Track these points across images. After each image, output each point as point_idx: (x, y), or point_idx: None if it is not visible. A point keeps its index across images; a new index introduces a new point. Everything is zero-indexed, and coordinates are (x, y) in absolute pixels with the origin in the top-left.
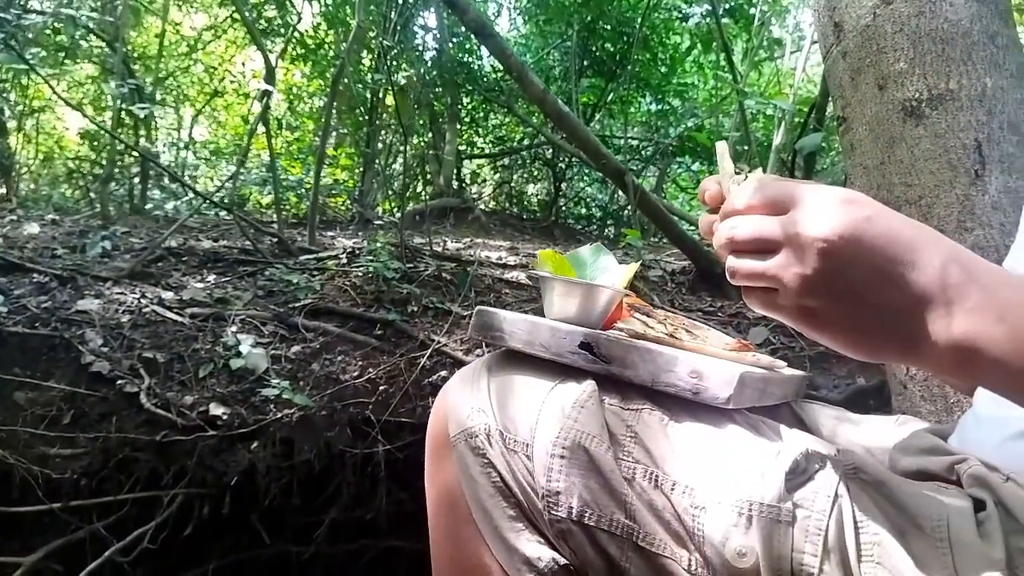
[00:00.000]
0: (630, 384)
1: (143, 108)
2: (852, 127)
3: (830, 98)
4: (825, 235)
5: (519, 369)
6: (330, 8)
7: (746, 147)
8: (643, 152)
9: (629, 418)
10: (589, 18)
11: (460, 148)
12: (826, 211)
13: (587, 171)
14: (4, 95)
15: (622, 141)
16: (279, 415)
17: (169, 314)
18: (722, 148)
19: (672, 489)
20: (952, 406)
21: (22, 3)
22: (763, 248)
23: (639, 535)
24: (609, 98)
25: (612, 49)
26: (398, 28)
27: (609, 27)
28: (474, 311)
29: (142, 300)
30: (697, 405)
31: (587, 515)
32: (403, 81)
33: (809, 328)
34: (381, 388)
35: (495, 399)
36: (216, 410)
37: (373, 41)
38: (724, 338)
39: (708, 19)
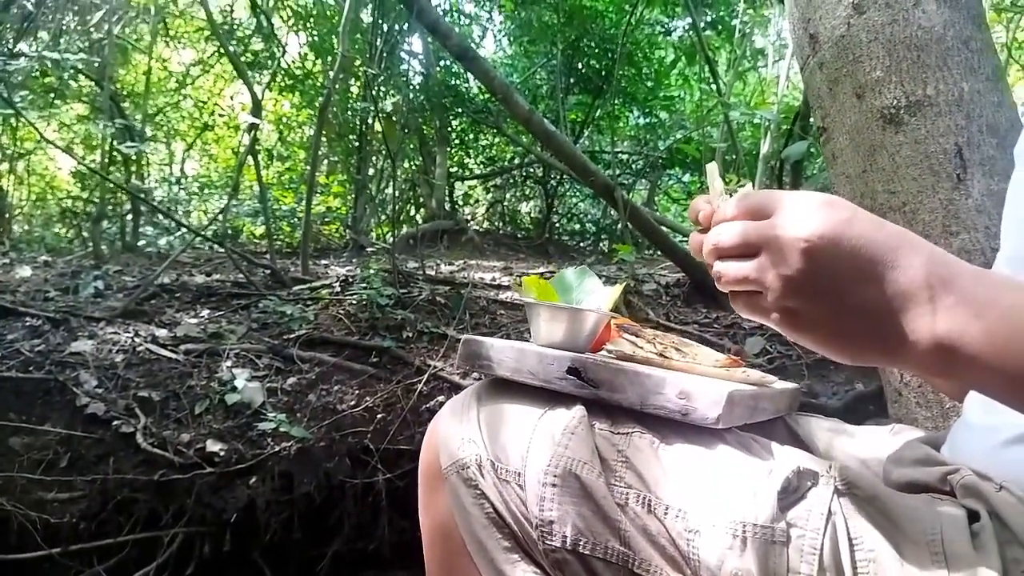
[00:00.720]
0: (619, 407)
1: (132, 147)
2: (833, 137)
3: (811, 109)
4: (805, 235)
5: (508, 397)
6: (315, 38)
7: (734, 157)
8: (633, 166)
9: (620, 442)
10: (573, 37)
11: (451, 170)
12: (806, 213)
13: (579, 187)
14: None
15: (611, 156)
16: (277, 448)
17: (163, 352)
18: (712, 169)
19: (665, 513)
20: (948, 412)
21: (9, 48)
22: (747, 252)
23: (635, 562)
24: (597, 114)
25: (597, 66)
26: (384, 55)
27: (593, 44)
28: (461, 340)
29: (136, 339)
30: (687, 426)
31: (582, 543)
32: (390, 108)
33: (793, 331)
34: (379, 416)
35: (485, 429)
36: (213, 447)
37: (360, 69)
38: (714, 354)
39: (691, 32)
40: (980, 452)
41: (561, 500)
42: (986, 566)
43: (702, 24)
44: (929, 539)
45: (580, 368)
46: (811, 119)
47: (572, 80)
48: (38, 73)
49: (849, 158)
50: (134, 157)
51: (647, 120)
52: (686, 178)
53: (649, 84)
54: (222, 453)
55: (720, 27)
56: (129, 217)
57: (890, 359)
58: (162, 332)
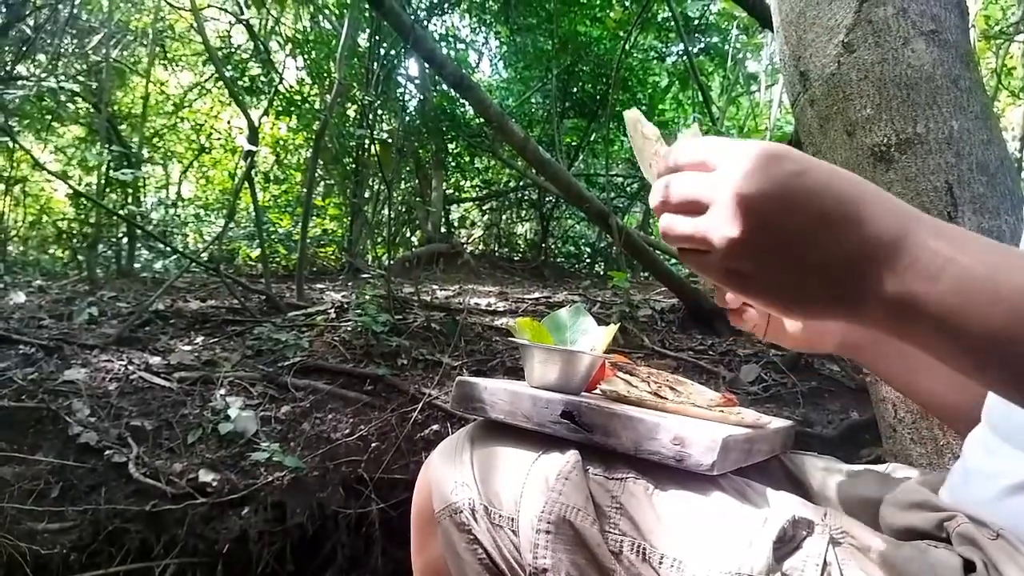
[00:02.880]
0: (614, 452)
1: (128, 174)
2: None
3: (802, 144)
4: (748, 192)
5: (502, 440)
6: (313, 63)
7: None
8: (628, 189)
9: (614, 488)
10: (568, 62)
11: (447, 193)
12: (752, 169)
13: (574, 209)
14: None
15: (606, 179)
16: (270, 478)
17: (157, 380)
18: (633, 115)
19: (660, 562)
20: (942, 448)
21: (7, 71)
22: (693, 208)
23: None
24: (591, 138)
25: (592, 90)
26: (380, 79)
27: (588, 69)
28: (455, 382)
29: (129, 367)
30: (682, 472)
31: None
32: (386, 135)
33: (742, 291)
34: (373, 445)
35: (478, 472)
36: (206, 476)
37: (356, 94)
38: (708, 392)
39: (684, 58)
40: (979, 498)
41: (555, 548)
42: None
43: (695, 50)
44: None
45: (574, 412)
46: (803, 145)
47: (567, 104)
48: (35, 97)
49: None
50: (129, 181)
51: None
52: None
53: (643, 109)
54: (215, 483)
55: (713, 53)
56: (124, 241)
57: (844, 318)
58: (156, 360)
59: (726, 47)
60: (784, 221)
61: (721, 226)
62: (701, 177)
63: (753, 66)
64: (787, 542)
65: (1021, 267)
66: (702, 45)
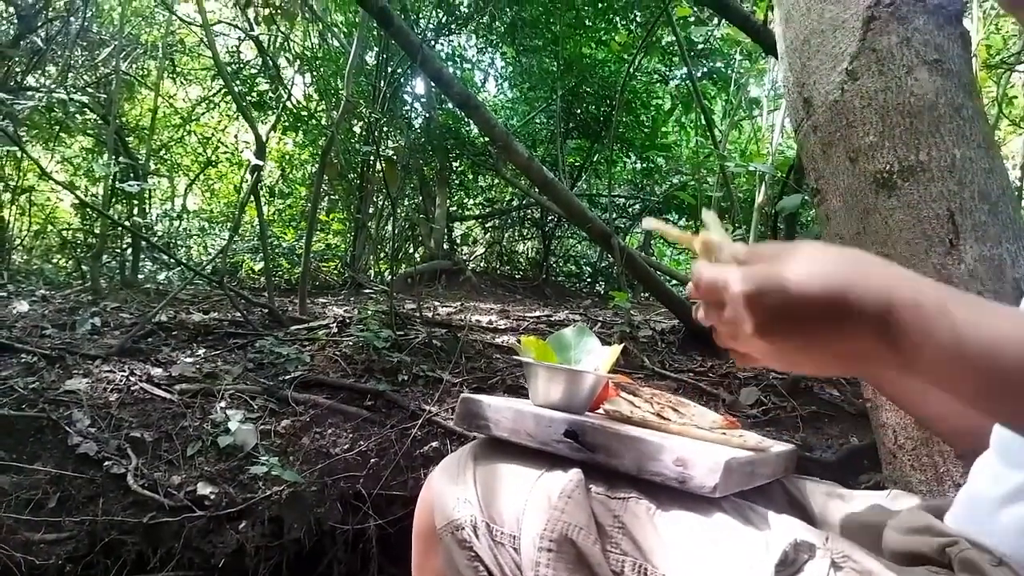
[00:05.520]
0: (616, 472)
1: (134, 186)
2: (827, 198)
3: (805, 170)
4: (746, 291)
5: (505, 457)
6: (321, 80)
7: (729, 205)
8: (630, 210)
9: (616, 507)
10: (572, 83)
11: (450, 210)
12: (752, 270)
13: (576, 229)
14: None
15: (608, 200)
16: (268, 492)
17: (157, 391)
18: (709, 217)
19: None
20: (942, 476)
21: (17, 81)
22: (719, 302)
23: None
24: (595, 158)
25: (596, 112)
26: (387, 97)
27: (592, 91)
28: (459, 399)
29: (131, 378)
30: (685, 493)
31: None
32: (391, 152)
33: (777, 364)
34: (372, 461)
35: (481, 489)
36: (204, 489)
37: (363, 111)
38: (710, 415)
39: (687, 82)
40: (983, 524)
41: (556, 566)
42: None
43: (698, 74)
44: None
45: (578, 432)
46: (806, 173)
47: (571, 125)
48: (44, 107)
49: (843, 220)
50: (135, 194)
51: (644, 165)
52: (682, 223)
53: (647, 131)
54: (213, 496)
55: (716, 77)
56: (128, 252)
57: (857, 376)
58: (157, 371)
59: (729, 72)
60: (789, 314)
61: (742, 319)
62: (713, 278)
63: (755, 91)
64: (789, 565)
65: (989, 316)
66: (705, 69)
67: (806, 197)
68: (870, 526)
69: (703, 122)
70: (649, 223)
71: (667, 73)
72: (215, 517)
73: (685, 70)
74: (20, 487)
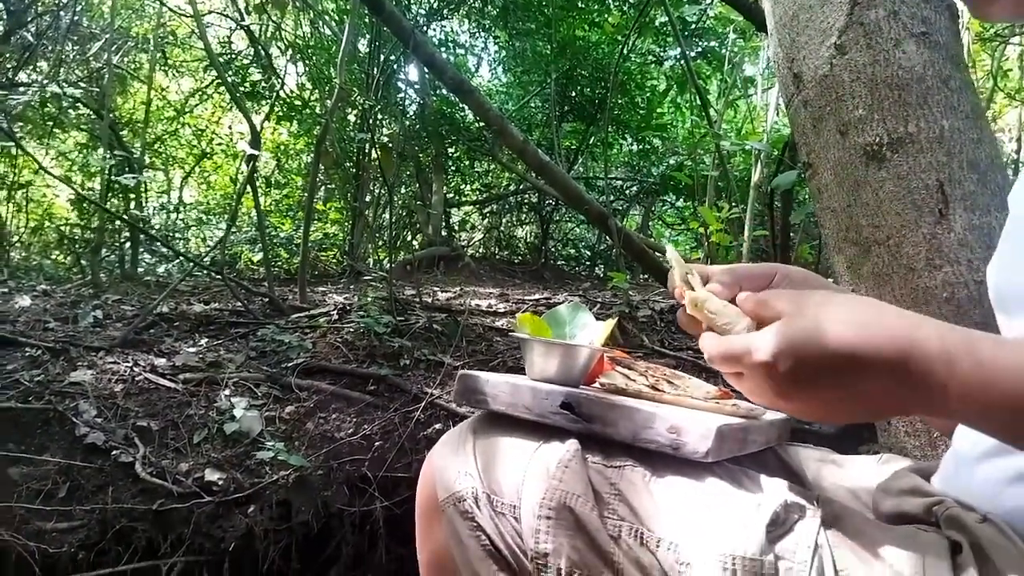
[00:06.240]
0: (612, 441)
1: (131, 178)
2: (818, 172)
3: (796, 145)
4: (763, 362)
5: (503, 431)
6: (313, 68)
7: (725, 184)
8: (627, 192)
9: (612, 475)
10: (566, 66)
11: (447, 196)
12: (766, 338)
13: (574, 213)
14: None
15: (605, 182)
16: (275, 477)
17: (162, 381)
18: (671, 253)
19: (657, 546)
20: (936, 440)
21: (9, 77)
22: (735, 370)
23: None
24: (590, 141)
25: (591, 94)
26: (381, 84)
27: (586, 74)
28: (457, 376)
29: (135, 368)
30: (678, 459)
31: (576, 575)
32: (386, 139)
33: (803, 416)
34: (376, 444)
35: (481, 462)
36: (212, 475)
37: (357, 98)
38: (705, 386)
39: (681, 62)
40: (967, 484)
41: (556, 533)
42: None
43: (693, 54)
44: (912, 571)
45: (573, 403)
46: (797, 148)
47: (566, 108)
48: (38, 103)
49: (834, 193)
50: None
51: (640, 147)
52: (679, 203)
53: (642, 112)
54: (220, 482)
55: (710, 57)
56: (127, 245)
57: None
58: (161, 361)
59: (723, 51)
60: (806, 374)
61: (762, 382)
62: (727, 353)
63: (750, 69)
64: (780, 525)
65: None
66: (699, 49)
67: (801, 174)
68: (861, 489)
69: (698, 102)
70: (672, 253)
71: (661, 54)
72: (223, 502)
73: (679, 50)
74: (30, 478)
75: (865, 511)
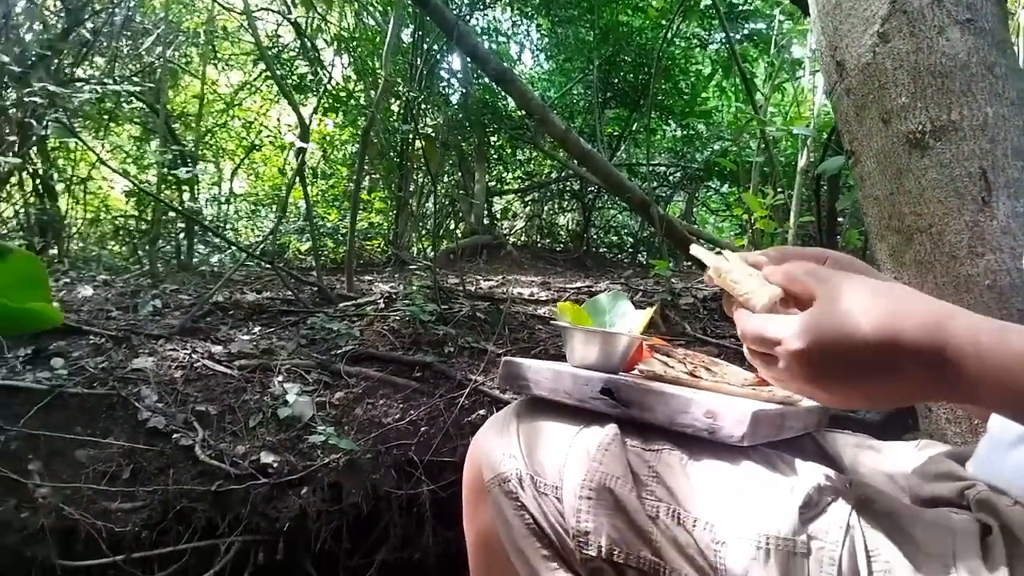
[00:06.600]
0: (650, 426)
1: (188, 172)
2: (861, 160)
3: (839, 132)
4: (798, 350)
5: (546, 415)
6: (358, 60)
7: (770, 169)
8: (670, 178)
9: (651, 459)
10: (609, 52)
11: (490, 185)
12: (799, 325)
13: (616, 199)
14: (53, 161)
15: (648, 169)
16: (326, 460)
17: (219, 367)
18: (696, 250)
19: (694, 526)
20: (976, 428)
21: (66, 74)
22: (768, 354)
23: (665, 570)
24: (633, 127)
25: (633, 80)
26: (424, 74)
27: (629, 59)
28: (502, 362)
29: (193, 355)
30: (715, 443)
31: (616, 553)
32: (430, 129)
33: (834, 404)
34: (423, 429)
35: (525, 445)
36: (267, 458)
37: (401, 89)
38: (743, 373)
39: (726, 45)
40: (1000, 468)
41: (596, 512)
42: None
43: (738, 37)
44: (941, 552)
45: (613, 388)
46: (840, 136)
47: (608, 94)
48: (96, 99)
49: (877, 181)
50: (187, 180)
51: (684, 133)
52: (724, 189)
53: (686, 97)
54: (275, 465)
55: (757, 39)
56: (182, 236)
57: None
58: (217, 348)
59: (770, 33)
60: (833, 364)
61: (792, 370)
62: (760, 336)
63: (798, 51)
64: (813, 507)
65: None
66: (746, 32)
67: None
68: (898, 474)
69: (743, 87)
70: (696, 249)
71: (706, 37)
72: (278, 484)
73: (724, 33)
74: (96, 460)
75: (901, 495)
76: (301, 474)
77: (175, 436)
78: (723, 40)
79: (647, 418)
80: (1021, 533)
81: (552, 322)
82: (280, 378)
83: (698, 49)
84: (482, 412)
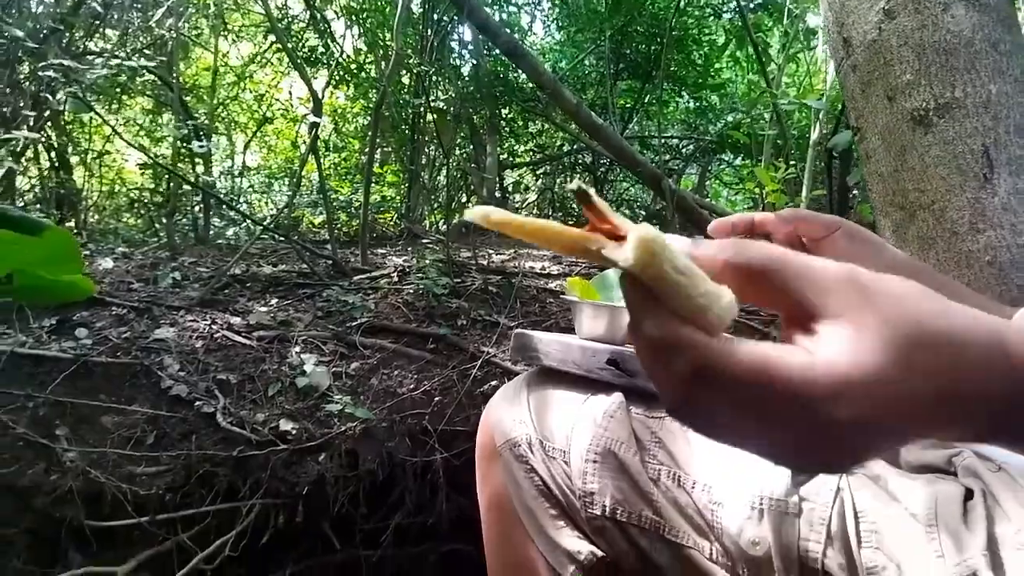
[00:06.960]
0: (654, 394)
1: (203, 147)
2: (866, 136)
3: (846, 108)
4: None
5: (555, 384)
6: (368, 32)
7: (782, 142)
8: (683, 151)
9: (654, 425)
10: (621, 23)
11: (501, 158)
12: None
13: (628, 172)
14: (69, 134)
15: (660, 141)
16: (343, 428)
17: (238, 338)
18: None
19: (693, 487)
20: None
21: (79, 47)
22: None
23: (665, 529)
24: (646, 99)
25: (646, 51)
26: (434, 47)
27: (641, 30)
28: (513, 334)
29: (213, 326)
30: None
31: (619, 512)
32: (441, 103)
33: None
34: (436, 399)
35: (535, 412)
36: (286, 426)
37: (412, 62)
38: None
39: (739, 14)
40: None
41: (601, 474)
42: (973, 540)
43: (752, 5)
44: (925, 513)
45: (619, 359)
46: (847, 112)
47: (621, 66)
48: (109, 73)
49: (881, 157)
50: (202, 153)
51: (697, 104)
52: (737, 162)
53: (699, 69)
54: (294, 431)
55: (771, 8)
56: (198, 209)
57: None
58: (236, 320)
59: (784, 2)
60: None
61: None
62: None
63: (813, 20)
64: None
65: None
66: (759, 0)
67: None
68: None
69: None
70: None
71: (720, 6)
72: (296, 450)
73: (737, 2)
74: (121, 426)
75: (893, 463)
76: (319, 441)
77: (197, 403)
78: (736, 9)
79: (651, 387)
80: (1001, 496)
81: (563, 296)
82: (297, 349)
83: (712, 19)
84: (494, 383)
